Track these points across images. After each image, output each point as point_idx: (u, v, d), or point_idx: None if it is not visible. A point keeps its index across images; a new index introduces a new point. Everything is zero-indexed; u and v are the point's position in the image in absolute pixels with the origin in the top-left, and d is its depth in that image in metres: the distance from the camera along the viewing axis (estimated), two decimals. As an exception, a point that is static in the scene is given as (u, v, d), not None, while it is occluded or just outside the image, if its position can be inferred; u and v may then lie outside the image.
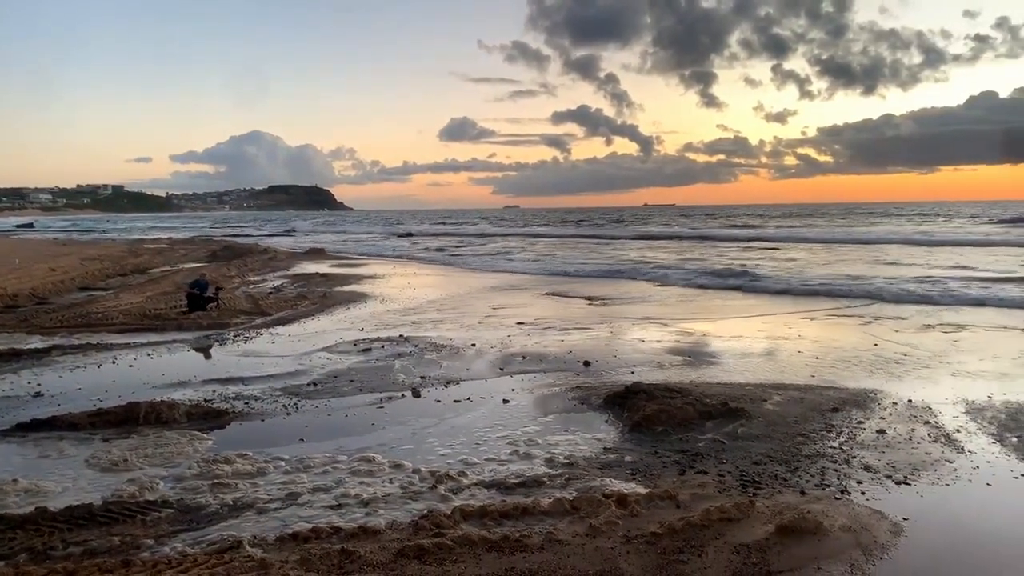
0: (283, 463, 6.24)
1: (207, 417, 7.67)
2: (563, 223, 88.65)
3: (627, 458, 6.32)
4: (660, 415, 7.11)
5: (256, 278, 23.74)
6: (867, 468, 5.99)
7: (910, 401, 7.91)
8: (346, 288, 20.19)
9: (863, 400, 7.97)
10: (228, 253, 35.38)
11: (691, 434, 6.90)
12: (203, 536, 4.90)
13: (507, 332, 12.71)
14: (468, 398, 8.34)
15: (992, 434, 6.81)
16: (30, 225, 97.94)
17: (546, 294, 19.07)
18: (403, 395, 8.55)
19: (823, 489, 5.57)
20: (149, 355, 10.88)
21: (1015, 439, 6.66)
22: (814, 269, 24.75)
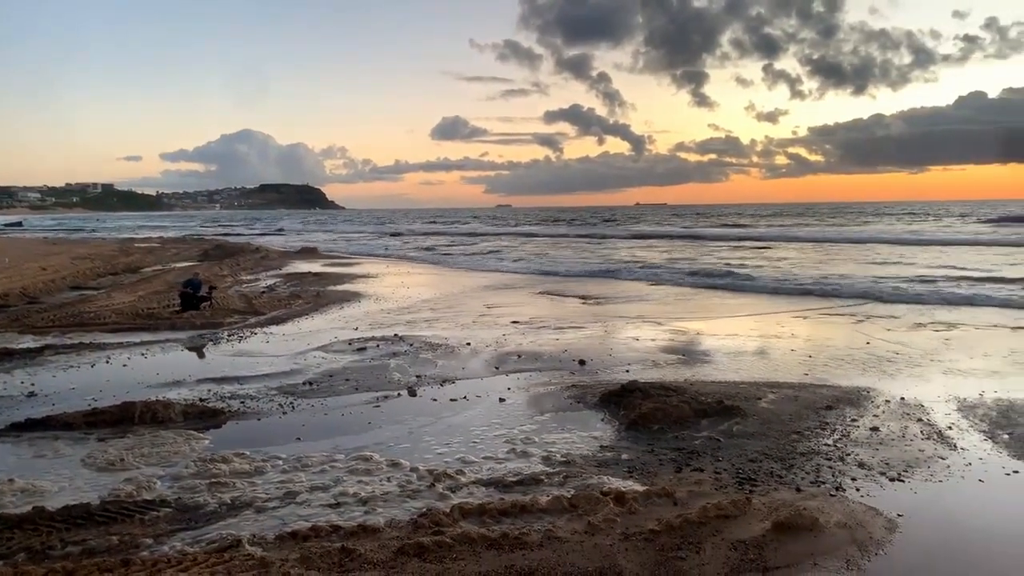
0: (280, 462, 6.24)
1: (203, 416, 7.66)
2: (555, 222, 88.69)
3: (624, 456, 6.36)
4: (656, 413, 7.15)
5: (249, 277, 23.68)
6: (861, 465, 6.04)
7: (903, 399, 7.98)
8: (339, 287, 20.17)
9: (856, 398, 8.04)
10: (220, 252, 35.24)
11: (687, 432, 6.94)
12: (202, 535, 4.90)
13: (502, 331, 12.73)
14: (464, 397, 8.35)
15: (984, 431, 6.89)
16: (19, 224, 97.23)
17: (540, 293, 19.10)
18: (399, 394, 8.56)
19: (818, 486, 5.62)
20: (143, 354, 10.85)
21: (1006, 436, 6.73)
22: (805, 268, 24.88)
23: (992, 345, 11.03)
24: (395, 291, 19.59)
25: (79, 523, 5.02)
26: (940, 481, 5.73)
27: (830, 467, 6.01)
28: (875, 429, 6.94)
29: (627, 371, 9.55)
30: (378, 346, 11.35)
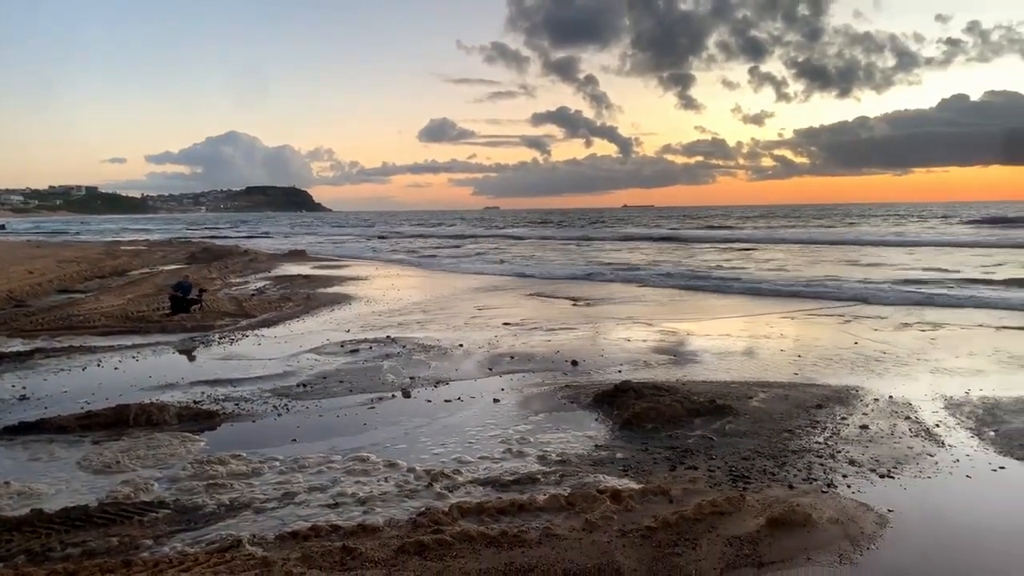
0: (277, 463, 6.27)
1: (198, 419, 7.67)
2: (543, 224, 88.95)
3: (619, 455, 6.43)
4: (649, 413, 7.23)
5: (238, 280, 23.60)
6: (852, 462, 6.15)
7: (891, 397, 8.11)
8: (329, 290, 20.15)
9: (846, 397, 8.16)
10: (208, 255, 35.09)
11: (680, 431, 7.03)
12: (202, 536, 4.92)
13: (494, 332, 12.78)
14: (458, 398, 8.40)
15: (970, 428, 7.02)
16: (2, 227, 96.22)
17: (530, 295, 19.16)
18: (393, 395, 8.59)
19: (810, 483, 5.71)
20: (134, 357, 10.81)
21: (992, 433, 6.86)
22: (791, 270, 25.12)
23: (977, 344, 11.20)
24: (385, 293, 19.59)
25: (78, 525, 5.03)
26: (929, 477, 5.84)
27: (821, 464, 6.11)
28: (864, 427, 7.05)
29: (619, 371, 9.63)
30: (371, 348, 11.38)
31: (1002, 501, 5.50)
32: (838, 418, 7.38)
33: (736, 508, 5.12)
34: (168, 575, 4.30)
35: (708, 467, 6.07)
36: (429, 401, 8.34)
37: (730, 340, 11.94)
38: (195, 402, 8.23)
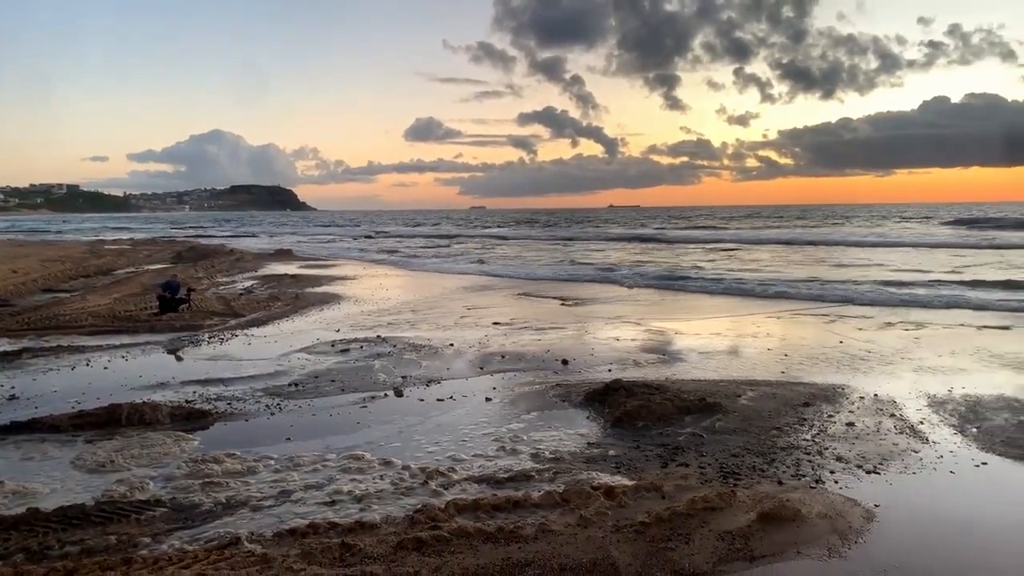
0: (272, 462, 6.30)
1: (190, 418, 7.68)
2: (530, 224, 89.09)
3: (611, 452, 6.52)
4: (640, 411, 7.33)
5: (225, 279, 23.50)
6: (839, 459, 6.27)
7: (876, 395, 8.26)
8: (318, 289, 20.12)
9: (832, 395, 8.30)
10: (194, 254, 34.89)
11: (671, 428, 7.13)
12: (200, 534, 4.95)
13: (484, 332, 12.85)
14: (451, 397, 8.46)
15: (954, 425, 7.17)
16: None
17: (518, 295, 19.25)
18: (385, 394, 8.63)
19: (799, 479, 5.83)
20: (124, 357, 10.77)
21: (975, 430, 7.02)
22: (776, 270, 25.38)
23: (959, 344, 11.40)
24: (374, 293, 19.60)
25: (75, 524, 5.04)
26: (914, 473, 5.98)
27: (809, 461, 6.23)
28: (851, 424, 7.19)
29: (609, 370, 9.73)
30: (361, 347, 11.41)
31: (984, 496, 5.63)
32: (825, 416, 7.51)
33: (727, 504, 5.22)
34: (168, 572, 4.33)
35: (699, 464, 6.18)
36: (421, 400, 8.39)
37: (717, 339, 12.08)
38: (187, 401, 8.23)
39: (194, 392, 8.69)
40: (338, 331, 12.98)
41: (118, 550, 4.69)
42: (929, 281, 20.10)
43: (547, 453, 6.50)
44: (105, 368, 10.06)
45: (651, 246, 44.03)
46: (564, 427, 7.30)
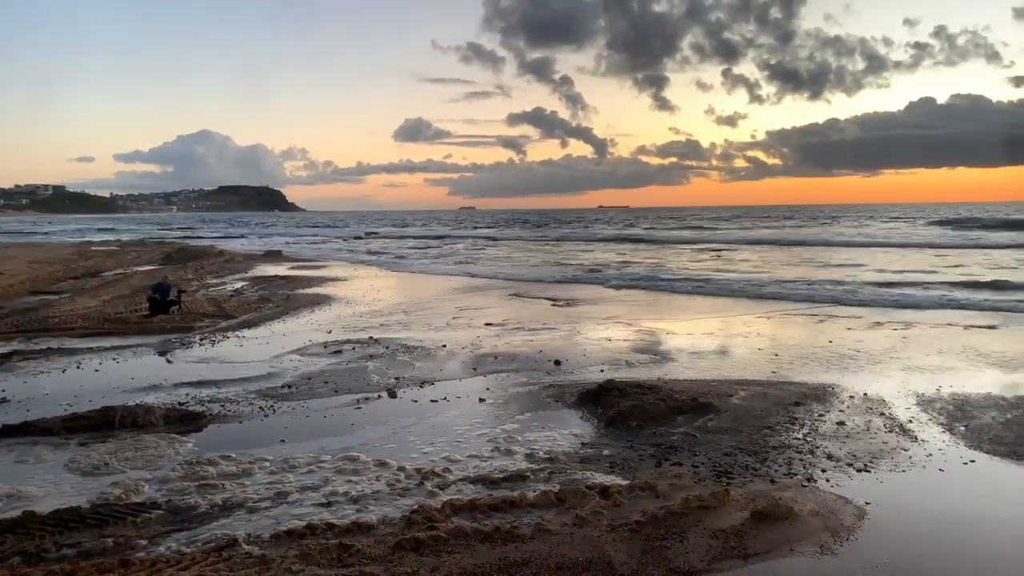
0: (268, 464, 6.31)
1: (184, 420, 7.66)
2: (520, 225, 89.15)
3: (605, 452, 6.57)
4: (634, 411, 7.39)
5: (215, 281, 23.41)
6: (830, 457, 6.35)
7: (865, 394, 8.36)
8: (309, 290, 20.09)
9: (822, 394, 8.39)
10: (183, 255, 34.73)
11: (664, 428, 7.19)
12: (197, 536, 4.96)
13: (476, 333, 12.88)
14: (444, 398, 8.49)
15: (942, 424, 7.27)
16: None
17: (510, 296, 19.29)
18: (379, 396, 8.65)
19: (791, 477, 5.90)
20: (115, 359, 10.73)
21: (963, 428, 7.12)
22: (765, 270, 25.56)
23: (947, 343, 11.54)
24: (365, 294, 19.59)
25: (71, 526, 5.04)
26: (904, 471, 6.06)
27: (801, 459, 6.30)
28: (841, 423, 7.27)
29: (602, 370, 9.79)
30: (354, 349, 11.41)
31: (973, 493, 5.72)
32: (815, 415, 7.60)
33: (721, 502, 5.28)
34: (166, 574, 4.34)
35: (692, 463, 6.24)
36: (415, 401, 8.41)
37: (708, 339, 12.17)
38: (180, 404, 8.22)
39: (187, 394, 8.68)
40: (330, 332, 12.97)
41: (115, 552, 4.69)
42: (916, 281, 20.30)
43: (542, 453, 6.55)
44: (96, 370, 10.02)
45: (641, 247, 44.19)
46: (558, 427, 7.35)
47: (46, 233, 78.26)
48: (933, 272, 23.26)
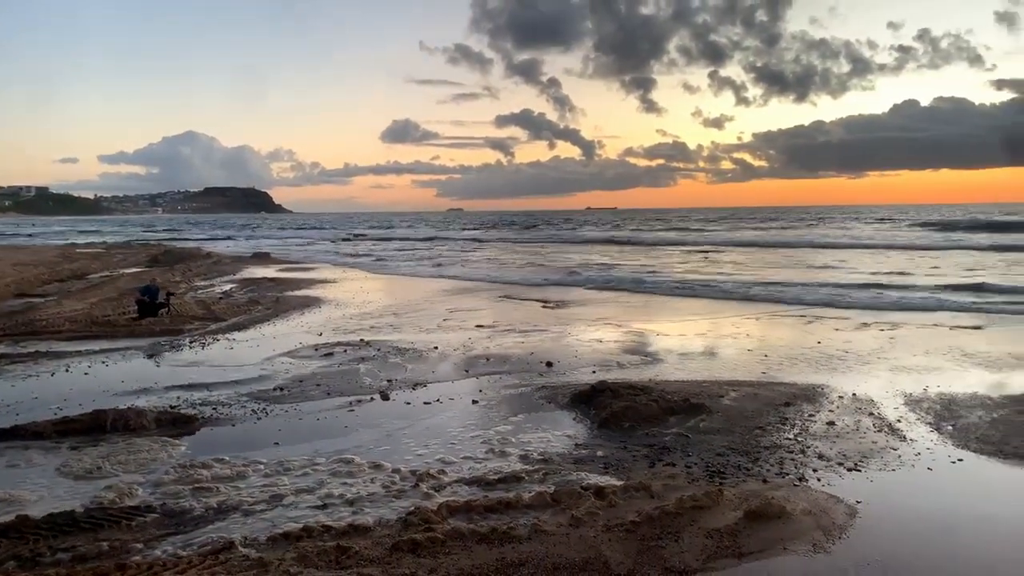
0: (262, 466, 6.30)
1: (176, 423, 7.64)
2: (508, 227, 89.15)
3: (599, 453, 6.62)
4: (627, 412, 7.44)
5: (203, 283, 23.29)
6: (821, 457, 6.43)
7: (855, 395, 8.45)
8: (298, 293, 20.03)
9: (812, 394, 8.47)
10: (170, 258, 34.51)
11: (656, 429, 7.25)
12: (192, 539, 4.95)
13: (467, 335, 12.90)
14: (437, 400, 8.51)
15: (930, 423, 7.37)
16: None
17: (500, 298, 19.32)
18: (372, 398, 8.66)
19: (783, 477, 5.97)
20: (104, 362, 10.67)
21: (950, 427, 7.22)
22: (753, 272, 25.74)
23: (933, 344, 11.68)
24: (354, 296, 19.56)
25: (66, 530, 5.02)
26: (893, 470, 6.14)
27: (792, 459, 6.37)
28: (831, 423, 7.36)
29: (593, 372, 9.83)
30: (345, 351, 11.40)
31: (961, 492, 5.81)
32: (806, 415, 7.68)
33: (715, 502, 5.33)
34: (163, 577, 4.33)
35: (686, 463, 6.29)
36: (408, 403, 8.43)
37: (698, 341, 12.25)
38: (172, 407, 8.19)
39: (178, 397, 8.64)
40: (320, 335, 12.94)
41: (111, 556, 4.68)
42: (902, 284, 20.50)
43: (536, 455, 6.58)
44: (86, 374, 9.96)
45: (629, 248, 44.35)
46: (551, 429, 7.38)
47: (29, 235, 77.55)
48: (918, 274, 23.52)
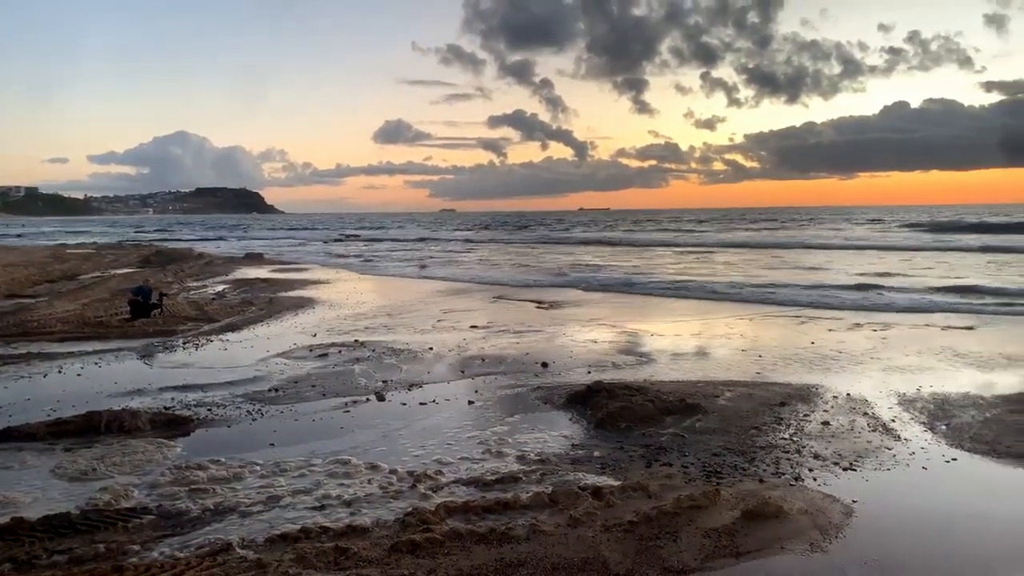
0: (258, 467, 6.28)
1: (171, 425, 7.61)
2: (501, 227, 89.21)
3: (595, 453, 6.63)
4: (623, 412, 7.45)
5: (196, 284, 23.19)
6: (816, 456, 6.46)
7: (849, 394, 8.49)
8: (291, 293, 19.97)
9: (807, 394, 8.51)
10: (161, 258, 34.34)
11: (653, 429, 7.26)
12: (189, 540, 4.93)
13: (462, 335, 12.89)
14: (433, 400, 8.50)
15: (924, 423, 7.41)
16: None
17: (494, 298, 19.31)
18: (367, 399, 8.64)
19: (779, 477, 5.99)
20: (97, 364, 10.61)
21: (944, 427, 7.27)
22: (745, 273, 25.83)
23: (925, 344, 11.74)
24: (348, 297, 19.52)
25: (62, 532, 4.99)
26: (888, 469, 6.18)
27: (788, 459, 6.40)
28: (826, 423, 7.39)
29: (588, 372, 9.85)
30: (340, 352, 11.37)
31: (956, 491, 5.86)
32: (801, 415, 7.71)
33: (712, 502, 5.35)
34: (161, 579, 4.32)
35: (682, 463, 6.31)
36: (404, 404, 8.42)
37: (693, 341, 12.29)
38: (166, 408, 8.15)
39: (172, 398, 8.61)
40: (315, 336, 12.91)
41: (107, 558, 4.65)
42: (894, 285, 20.59)
43: (533, 455, 6.58)
44: (79, 375, 9.91)
45: (622, 249, 44.43)
46: (548, 429, 7.39)
47: (19, 235, 77.05)
48: (909, 275, 23.65)
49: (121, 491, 5.76)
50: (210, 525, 5.18)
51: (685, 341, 12.32)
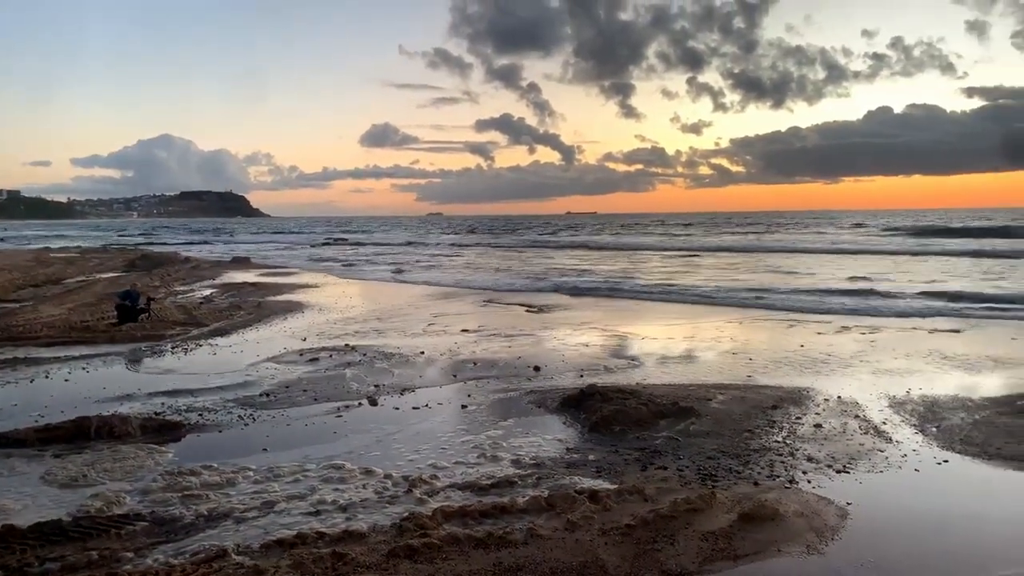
0: (251, 473, 6.23)
1: (162, 430, 7.53)
2: (489, 232, 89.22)
3: (590, 457, 6.63)
4: (617, 416, 7.46)
5: (183, 288, 23.00)
6: (810, 459, 6.49)
7: (840, 397, 8.55)
8: (280, 298, 19.86)
9: (798, 397, 8.56)
10: (147, 262, 34.04)
11: (647, 433, 7.28)
12: (184, 547, 4.88)
13: (453, 339, 12.87)
14: (426, 405, 8.48)
15: (914, 425, 7.47)
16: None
17: (484, 302, 19.30)
18: (360, 404, 8.60)
19: (774, 479, 6.02)
20: (84, 369, 10.49)
21: (934, 429, 7.33)
22: (732, 277, 25.95)
23: (913, 346, 11.85)
24: (337, 301, 19.44)
25: (53, 540, 4.93)
26: (881, 471, 6.22)
27: (782, 462, 6.43)
28: (819, 426, 7.43)
29: (581, 376, 9.86)
30: (331, 356, 11.31)
31: (948, 492, 5.91)
32: (793, 418, 7.75)
33: (708, 505, 5.36)
34: (156, 587, 4.27)
35: (677, 467, 6.32)
36: (397, 409, 8.38)
37: (683, 344, 12.33)
38: (156, 413, 8.07)
39: (163, 404, 8.52)
40: (305, 340, 12.84)
41: (101, 566, 4.60)
42: (880, 290, 20.74)
43: (528, 459, 6.58)
44: (66, 380, 9.79)
45: (609, 253, 44.54)
46: (542, 433, 7.39)
47: (1, 239, 76.07)
48: (895, 278, 23.85)
49: (113, 497, 5.70)
50: (204, 531, 5.13)
51: (675, 344, 12.36)
